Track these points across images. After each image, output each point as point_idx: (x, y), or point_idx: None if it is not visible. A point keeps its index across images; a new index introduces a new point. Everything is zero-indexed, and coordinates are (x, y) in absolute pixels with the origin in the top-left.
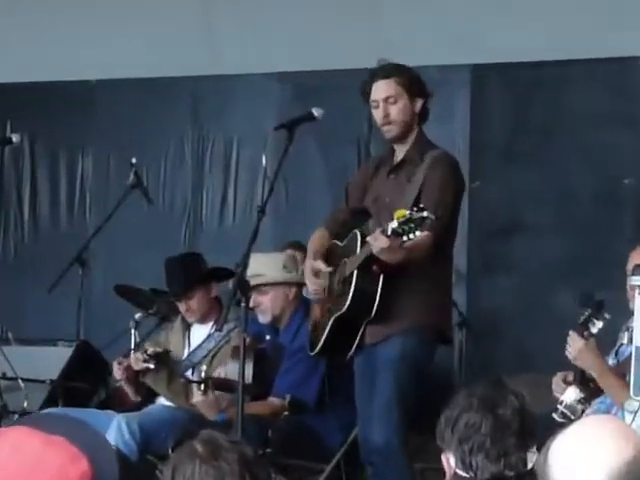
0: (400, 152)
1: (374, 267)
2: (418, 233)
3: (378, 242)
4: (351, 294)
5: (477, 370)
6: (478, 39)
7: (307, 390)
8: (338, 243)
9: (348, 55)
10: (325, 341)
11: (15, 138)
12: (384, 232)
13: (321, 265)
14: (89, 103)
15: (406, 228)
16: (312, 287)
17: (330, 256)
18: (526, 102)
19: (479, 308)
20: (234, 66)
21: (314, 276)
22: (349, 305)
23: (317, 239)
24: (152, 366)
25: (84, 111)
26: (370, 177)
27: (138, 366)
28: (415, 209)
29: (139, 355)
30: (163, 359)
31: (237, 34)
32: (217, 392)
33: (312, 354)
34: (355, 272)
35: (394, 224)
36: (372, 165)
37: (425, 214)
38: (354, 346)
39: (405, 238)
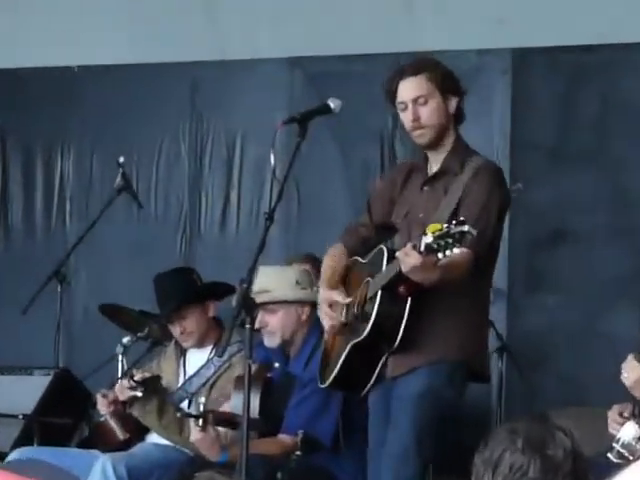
0: (435, 160)
1: (401, 288)
2: (456, 250)
3: (409, 259)
4: (373, 319)
5: (519, 402)
6: (520, 19)
7: (322, 426)
8: (360, 260)
9: (370, 38)
10: (339, 372)
11: None
12: (416, 247)
13: (338, 296)
14: (70, 92)
15: (442, 243)
16: (327, 323)
17: (350, 275)
18: (576, 92)
19: (521, 331)
20: (238, 50)
21: (329, 307)
22: (370, 331)
23: (332, 257)
24: (140, 394)
25: (64, 102)
26: (399, 189)
27: (124, 395)
28: (454, 222)
29: (125, 382)
30: (153, 386)
31: (242, 13)
32: (218, 428)
33: (322, 387)
34: (379, 293)
35: (428, 238)
36: (401, 174)
37: (465, 228)
38: (372, 380)
39: (440, 255)
